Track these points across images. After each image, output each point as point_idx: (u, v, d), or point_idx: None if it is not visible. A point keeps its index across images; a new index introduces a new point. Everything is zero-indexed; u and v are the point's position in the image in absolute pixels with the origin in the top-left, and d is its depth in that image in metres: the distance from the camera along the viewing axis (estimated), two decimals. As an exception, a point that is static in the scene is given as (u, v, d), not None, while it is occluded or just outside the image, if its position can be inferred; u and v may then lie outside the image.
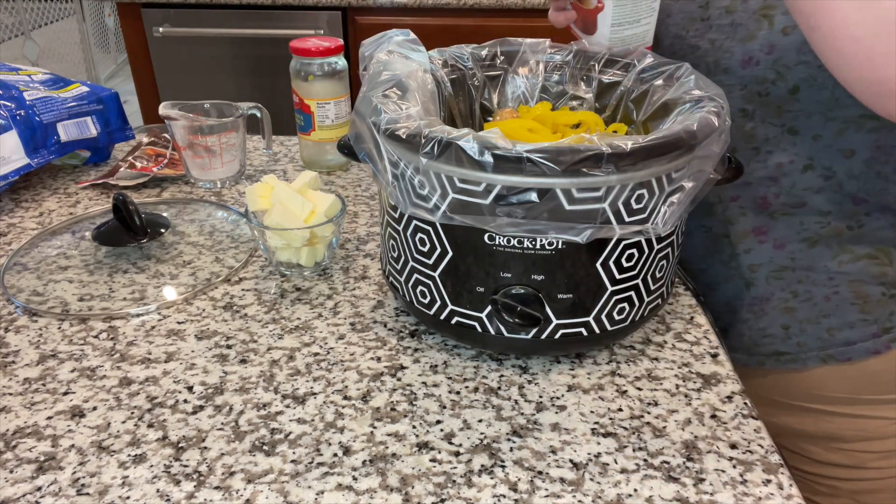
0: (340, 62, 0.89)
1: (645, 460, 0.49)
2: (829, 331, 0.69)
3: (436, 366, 0.58)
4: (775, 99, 0.62)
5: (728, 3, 0.64)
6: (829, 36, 0.49)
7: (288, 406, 0.53)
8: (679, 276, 0.70)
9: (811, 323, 0.69)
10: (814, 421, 0.72)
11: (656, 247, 0.54)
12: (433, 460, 0.49)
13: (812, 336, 0.70)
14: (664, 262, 0.56)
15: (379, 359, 0.59)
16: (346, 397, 0.54)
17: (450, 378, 0.56)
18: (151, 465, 0.48)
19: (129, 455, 0.49)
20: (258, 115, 0.92)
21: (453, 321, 0.56)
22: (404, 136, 0.49)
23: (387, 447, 0.50)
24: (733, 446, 0.50)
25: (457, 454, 0.49)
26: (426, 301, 0.57)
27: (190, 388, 0.55)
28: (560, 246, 0.50)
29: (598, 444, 0.50)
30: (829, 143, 0.62)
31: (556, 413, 0.53)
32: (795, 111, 0.62)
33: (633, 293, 0.54)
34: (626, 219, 0.49)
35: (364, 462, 0.48)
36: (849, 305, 0.67)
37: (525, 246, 0.50)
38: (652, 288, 0.56)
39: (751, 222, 0.69)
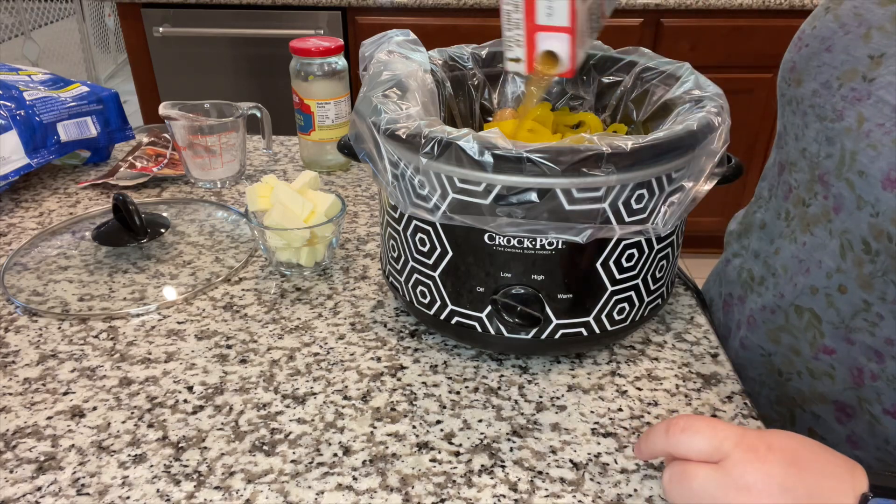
0: (340, 62, 0.89)
1: (645, 460, 0.49)
2: (886, 440, 0.56)
3: (436, 366, 0.58)
4: None
5: None
6: None
7: (288, 406, 0.53)
8: (679, 276, 0.70)
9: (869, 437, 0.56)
10: None
11: (656, 247, 0.54)
12: (433, 460, 0.49)
13: (868, 448, 0.57)
14: (664, 262, 0.56)
15: (379, 359, 0.59)
16: (346, 397, 0.54)
17: (450, 378, 0.56)
18: (151, 465, 0.48)
19: (129, 455, 0.49)
20: (258, 115, 0.92)
21: (453, 321, 0.56)
22: (404, 136, 0.49)
23: (387, 447, 0.50)
24: (733, 446, 0.50)
25: (457, 454, 0.49)
26: (426, 301, 0.57)
27: (190, 388, 0.55)
28: (560, 246, 0.50)
29: (598, 444, 0.50)
30: None
31: (556, 413, 0.53)
32: None
33: (633, 293, 0.54)
34: (626, 219, 0.49)
35: (364, 462, 0.48)
36: None
37: (525, 246, 0.50)
38: (652, 288, 0.56)
39: (838, 394, 0.54)
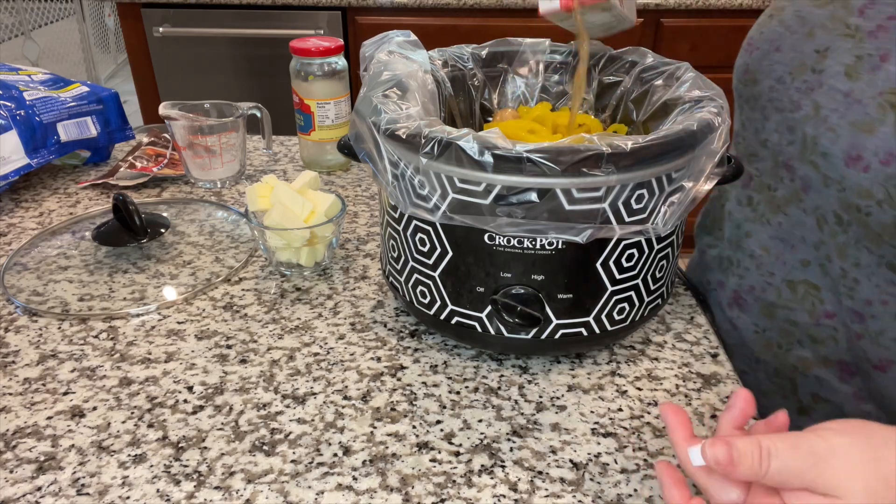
0: (340, 62, 0.89)
1: (645, 460, 0.49)
2: None
3: (436, 366, 0.58)
4: (877, 224, 0.49)
5: (850, 62, 0.51)
6: None
7: (288, 406, 0.53)
8: (679, 276, 0.70)
9: None
10: None
11: (656, 247, 0.54)
12: (433, 460, 0.49)
13: None
14: (664, 262, 0.56)
15: (379, 359, 0.59)
16: (346, 397, 0.54)
17: (450, 378, 0.56)
18: (151, 465, 0.48)
19: (129, 455, 0.49)
20: (258, 115, 0.92)
21: (453, 321, 0.56)
22: (404, 136, 0.49)
23: (387, 447, 0.50)
24: (733, 446, 0.50)
25: (457, 454, 0.49)
26: (426, 301, 0.57)
27: (190, 388, 0.55)
28: (560, 246, 0.50)
29: (598, 444, 0.50)
30: None
31: (556, 413, 0.53)
32: None
33: (633, 293, 0.54)
34: (626, 219, 0.49)
35: (364, 462, 0.48)
36: None
37: (525, 246, 0.50)
38: (652, 288, 0.56)
39: (833, 354, 0.56)
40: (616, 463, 0.49)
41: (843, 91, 0.51)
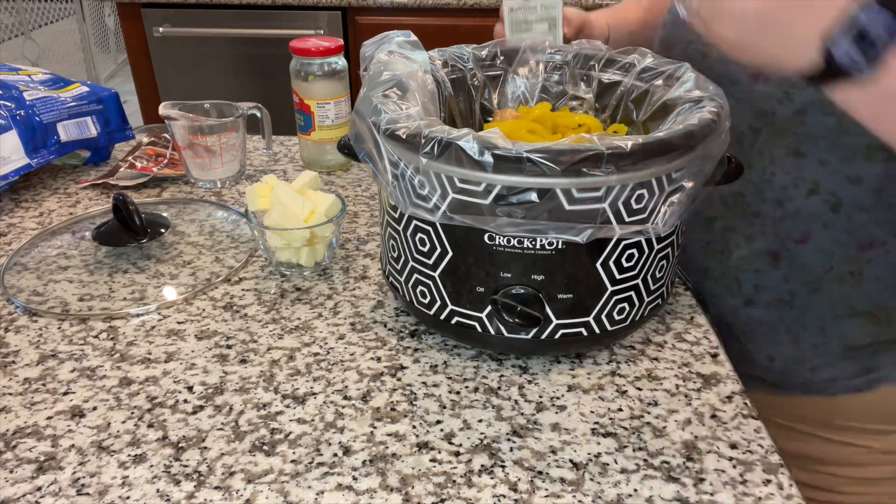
0: (340, 62, 0.89)
1: (645, 460, 0.49)
2: (813, 370, 0.68)
3: (436, 366, 0.58)
4: (781, 120, 0.60)
5: None
6: None
7: (288, 406, 0.53)
8: (679, 276, 0.70)
9: (796, 363, 0.69)
10: (789, 438, 0.71)
11: (656, 247, 0.54)
12: (433, 460, 0.49)
13: (795, 373, 0.69)
14: (664, 262, 0.56)
15: (379, 359, 0.59)
16: (346, 397, 0.54)
17: (450, 378, 0.56)
18: (151, 465, 0.48)
19: (129, 455, 0.49)
20: (258, 115, 0.92)
21: (453, 321, 0.56)
22: (404, 136, 0.49)
23: (387, 447, 0.50)
24: (733, 446, 0.50)
25: (457, 454, 0.49)
26: (426, 301, 0.57)
27: (190, 388, 0.55)
28: (560, 246, 0.50)
29: (598, 444, 0.50)
30: (835, 170, 0.59)
31: (556, 413, 0.53)
32: (802, 134, 0.60)
33: (633, 293, 0.54)
34: (626, 219, 0.49)
35: (364, 462, 0.48)
36: (835, 355, 0.67)
37: (525, 246, 0.50)
38: (652, 288, 0.56)
39: (765, 246, 0.66)
40: (616, 463, 0.49)
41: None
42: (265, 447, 0.50)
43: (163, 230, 0.74)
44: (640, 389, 0.55)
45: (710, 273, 0.72)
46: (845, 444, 0.70)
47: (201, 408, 0.53)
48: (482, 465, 0.48)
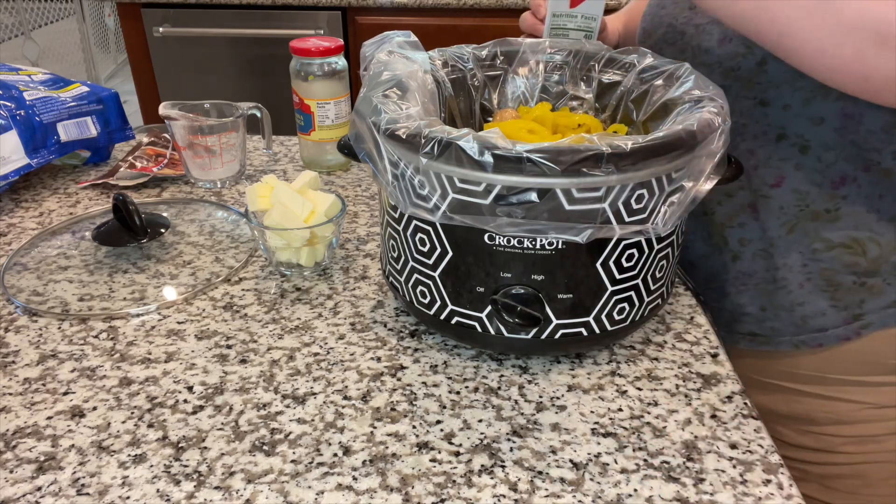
0: (340, 62, 0.89)
1: (645, 460, 0.49)
2: (803, 318, 0.70)
3: (436, 366, 0.58)
4: (745, 73, 0.64)
5: None
6: (795, 53, 0.52)
7: (288, 406, 0.53)
8: (679, 275, 0.70)
9: (785, 310, 0.70)
10: (785, 400, 0.74)
11: (656, 247, 0.54)
12: (433, 460, 0.49)
13: (786, 322, 0.71)
14: (664, 262, 0.56)
15: (379, 359, 0.59)
16: (346, 397, 0.54)
17: (450, 378, 0.56)
18: (151, 465, 0.48)
19: (129, 455, 0.49)
20: (258, 115, 0.92)
21: (453, 321, 0.56)
22: (404, 136, 0.49)
23: (387, 447, 0.50)
24: (733, 446, 0.50)
25: (457, 454, 0.49)
26: (426, 301, 0.57)
27: (190, 388, 0.55)
28: (560, 246, 0.50)
29: (598, 444, 0.50)
30: (798, 112, 0.63)
31: (556, 413, 0.53)
32: (764, 83, 0.63)
33: (633, 293, 0.54)
34: (626, 219, 0.49)
35: (364, 462, 0.48)
36: (820, 292, 0.68)
37: (525, 246, 0.50)
38: (652, 288, 0.56)
39: (745, 199, 0.69)
40: (616, 463, 0.49)
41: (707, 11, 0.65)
42: (265, 447, 0.50)
43: (163, 230, 0.74)
44: (640, 389, 0.55)
45: (699, 234, 0.75)
46: (840, 401, 0.70)
47: (201, 408, 0.53)
48: (482, 465, 0.48)
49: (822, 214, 0.65)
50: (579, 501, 0.46)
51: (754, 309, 0.72)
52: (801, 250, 0.67)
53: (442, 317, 0.56)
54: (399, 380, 0.56)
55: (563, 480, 0.47)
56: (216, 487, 0.46)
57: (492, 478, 0.47)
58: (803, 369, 0.72)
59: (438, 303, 0.56)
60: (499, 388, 0.56)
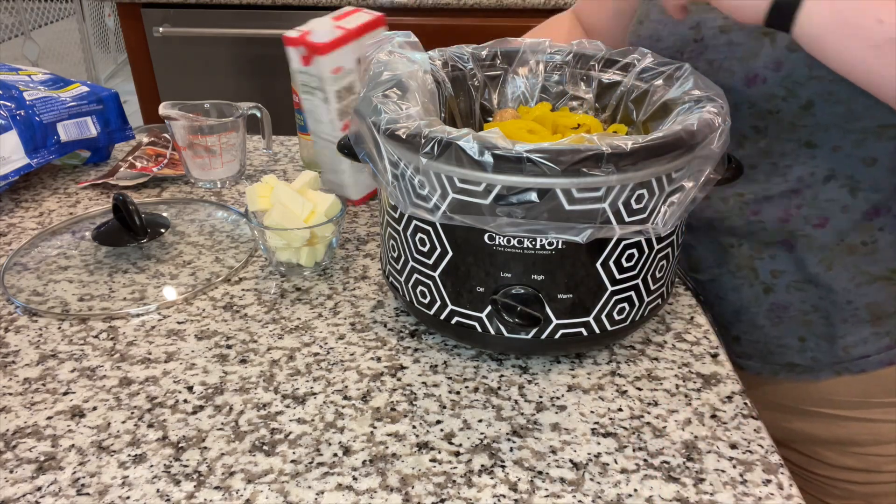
0: (340, 62, 0.89)
1: (645, 460, 0.49)
2: (845, 348, 0.68)
3: (436, 366, 0.58)
4: (787, 115, 0.61)
5: (722, 23, 0.64)
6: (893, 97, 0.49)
7: (288, 406, 0.53)
8: (679, 275, 0.70)
9: (826, 340, 0.69)
10: (826, 426, 0.72)
11: (656, 247, 0.54)
12: (433, 460, 0.49)
13: (827, 352, 0.69)
14: (664, 262, 0.56)
15: (379, 359, 0.59)
16: (346, 397, 0.54)
17: (450, 378, 0.56)
18: (151, 465, 0.48)
19: (129, 455, 0.49)
20: (258, 115, 0.92)
21: (453, 321, 0.56)
22: (404, 136, 0.49)
23: (387, 447, 0.50)
24: (733, 446, 0.50)
25: (457, 454, 0.49)
26: (426, 301, 0.57)
27: (190, 388, 0.55)
28: (560, 246, 0.50)
29: (598, 444, 0.50)
30: (849, 153, 0.61)
31: (556, 413, 0.53)
32: (811, 126, 0.61)
33: (633, 293, 0.54)
34: (626, 219, 0.49)
35: (364, 462, 0.48)
36: (863, 323, 0.67)
37: (525, 246, 0.50)
38: (652, 288, 0.56)
39: (778, 237, 0.67)
40: (616, 463, 0.49)
41: (723, 43, 0.64)
42: (265, 447, 0.50)
43: (163, 230, 0.74)
44: (640, 389, 0.55)
45: (726, 267, 0.72)
46: (883, 422, 0.69)
47: (201, 408, 0.53)
48: (482, 465, 0.48)
49: (858, 248, 0.65)
50: (579, 501, 0.46)
51: (792, 340, 0.71)
52: (844, 286, 0.66)
53: (442, 317, 0.56)
54: (399, 380, 0.56)
55: (563, 480, 0.47)
56: (216, 487, 0.46)
57: (492, 478, 0.47)
58: (844, 395, 0.70)
59: (438, 303, 0.56)
60: (499, 388, 0.56)
